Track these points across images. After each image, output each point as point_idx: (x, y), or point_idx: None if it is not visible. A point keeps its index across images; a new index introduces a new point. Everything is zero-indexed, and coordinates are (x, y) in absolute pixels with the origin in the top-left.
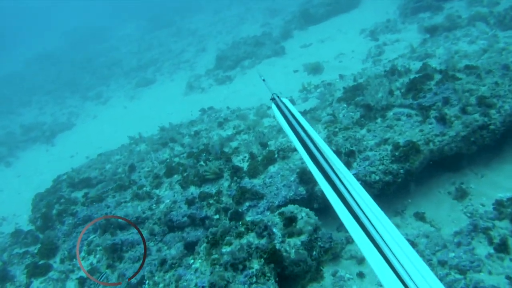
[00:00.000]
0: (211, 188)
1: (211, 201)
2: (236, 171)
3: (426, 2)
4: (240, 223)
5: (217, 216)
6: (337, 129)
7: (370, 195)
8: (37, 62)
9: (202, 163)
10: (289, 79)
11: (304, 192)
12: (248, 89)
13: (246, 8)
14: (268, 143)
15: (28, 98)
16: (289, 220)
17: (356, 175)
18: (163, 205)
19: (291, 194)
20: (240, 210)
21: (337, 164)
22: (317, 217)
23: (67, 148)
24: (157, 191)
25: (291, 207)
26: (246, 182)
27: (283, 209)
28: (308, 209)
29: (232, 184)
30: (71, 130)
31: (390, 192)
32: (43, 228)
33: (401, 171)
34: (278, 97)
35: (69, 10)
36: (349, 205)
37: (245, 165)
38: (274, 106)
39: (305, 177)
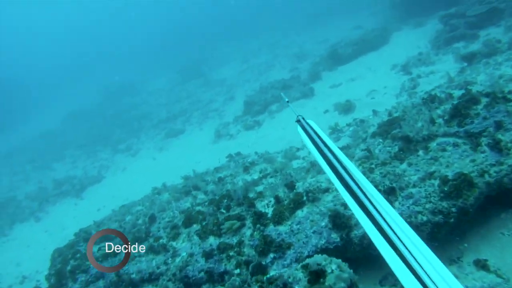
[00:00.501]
0: (231, 238)
1: (231, 253)
2: (259, 218)
3: (460, 32)
4: (254, 279)
5: (237, 271)
6: (373, 165)
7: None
8: (71, 118)
9: (222, 210)
10: (319, 121)
11: (338, 240)
12: (277, 133)
13: (273, 55)
14: (296, 184)
15: (62, 153)
16: (316, 275)
17: None
18: (179, 258)
19: (323, 242)
20: (263, 263)
21: (370, 189)
22: (352, 270)
23: (95, 201)
24: (174, 243)
25: (318, 258)
26: (271, 229)
27: (307, 260)
28: (340, 260)
29: (255, 232)
30: (100, 183)
31: (441, 236)
32: (56, 286)
33: (453, 209)
34: (303, 118)
35: (105, 68)
36: (392, 242)
37: (269, 211)
38: (299, 129)
39: (338, 221)
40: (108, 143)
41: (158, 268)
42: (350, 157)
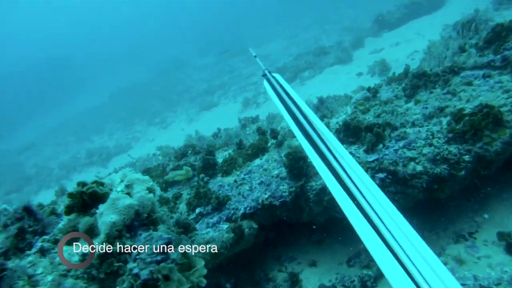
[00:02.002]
0: (173, 191)
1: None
2: (207, 168)
3: None
4: None
5: None
6: (370, 107)
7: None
8: (118, 94)
9: (179, 161)
10: (351, 84)
11: (287, 193)
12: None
13: (322, 30)
14: (273, 128)
15: (102, 126)
16: None
17: (378, 162)
18: None
19: (266, 197)
20: (186, 221)
21: (332, 140)
22: None
23: None
24: None
25: None
26: (216, 181)
27: None
28: None
29: (200, 183)
30: (126, 153)
31: (444, 197)
32: None
33: (466, 157)
34: (269, 72)
35: (159, 45)
36: (361, 206)
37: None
38: (265, 83)
39: (295, 168)
40: (145, 117)
41: None
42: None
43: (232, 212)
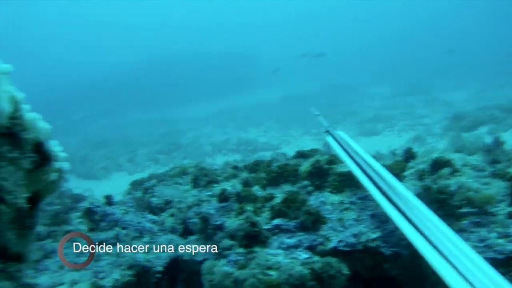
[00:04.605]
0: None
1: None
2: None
3: None
4: None
5: None
6: None
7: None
8: (287, 98)
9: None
10: None
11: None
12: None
13: None
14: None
15: (262, 121)
16: None
17: None
18: None
19: (373, 236)
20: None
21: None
22: None
23: None
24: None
25: None
26: (321, 196)
27: None
28: None
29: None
30: (272, 150)
31: None
32: None
33: None
34: (331, 130)
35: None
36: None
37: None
38: (329, 138)
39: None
40: (302, 125)
41: None
42: None
43: (319, 240)
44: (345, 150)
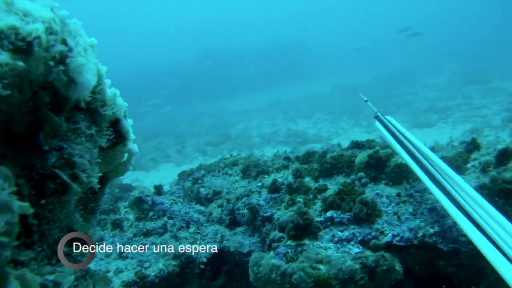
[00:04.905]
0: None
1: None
2: (371, 166)
3: None
4: None
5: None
6: None
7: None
8: (339, 89)
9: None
10: None
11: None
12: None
13: None
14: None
15: (313, 113)
16: None
17: None
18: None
19: (431, 232)
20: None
21: (447, 170)
22: None
23: None
24: None
25: None
26: (377, 188)
27: None
28: None
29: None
30: (323, 142)
31: None
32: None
33: None
34: (382, 115)
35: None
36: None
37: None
38: (378, 124)
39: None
40: (354, 116)
41: None
42: None
43: (373, 234)
44: (395, 136)
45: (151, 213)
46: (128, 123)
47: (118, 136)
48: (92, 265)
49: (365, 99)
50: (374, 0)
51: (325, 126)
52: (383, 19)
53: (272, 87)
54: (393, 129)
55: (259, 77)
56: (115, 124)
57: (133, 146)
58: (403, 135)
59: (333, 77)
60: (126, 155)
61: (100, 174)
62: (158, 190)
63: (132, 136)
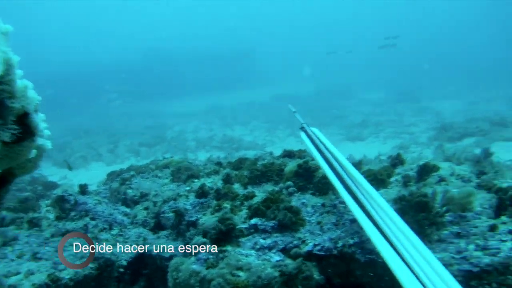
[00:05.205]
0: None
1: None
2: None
3: None
4: None
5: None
6: None
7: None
8: (278, 98)
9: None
10: None
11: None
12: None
13: (509, 107)
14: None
15: (249, 120)
16: None
17: None
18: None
19: (351, 242)
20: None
21: (365, 185)
22: None
23: None
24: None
25: None
26: (303, 197)
27: None
28: None
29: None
30: (257, 150)
31: None
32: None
33: None
34: (307, 125)
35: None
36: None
37: None
38: (303, 135)
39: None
40: (289, 126)
41: None
42: None
43: (295, 242)
44: (318, 147)
45: (72, 213)
46: (39, 118)
47: (26, 131)
48: (2, 266)
49: (294, 110)
50: (321, 13)
51: (261, 134)
52: (327, 32)
53: (212, 92)
54: (317, 140)
55: (200, 81)
56: (24, 118)
57: (45, 142)
58: (325, 146)
59: (275, 86)
60: (34, 151)
61: (1, 170)
62: (83, 189)
63: (46, 132)
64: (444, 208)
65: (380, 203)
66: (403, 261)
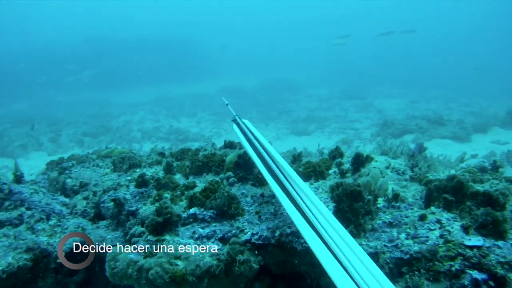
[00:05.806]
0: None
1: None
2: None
3: None
4: None
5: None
6: (482, 178)
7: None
8: (226, 91)
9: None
10: None
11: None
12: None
13: (446, 106)
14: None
15: (196, 112)
16: None
17: (480, 253)
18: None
19: (288, 231)
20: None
21: (292, 174)
22: None
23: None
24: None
25: None
26: (245, 188)
27: None
28: None
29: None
30: (201, 142)
31: None
32: None
33: None
34: (239, 118)
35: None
36: (303, 210)
37: None
38: (235, 127)
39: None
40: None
41: None
42: None
43: (234, 232)
44: (249, 139)
45: (6, 203)
46: None
47: None
48: None
49: (226, 102)
50: (275, 6)
51: (208, 126)
52: (283, 25)
53: (160, 83)
54: (247, 131)
55: (147, 71)
56: None
57: None
58: (255, 137)
59: (223, 78)
60: None
61: None
62: (18, 178)
63: None
64: (371, 197)
65: (305, 191)
66: (330, 251)
